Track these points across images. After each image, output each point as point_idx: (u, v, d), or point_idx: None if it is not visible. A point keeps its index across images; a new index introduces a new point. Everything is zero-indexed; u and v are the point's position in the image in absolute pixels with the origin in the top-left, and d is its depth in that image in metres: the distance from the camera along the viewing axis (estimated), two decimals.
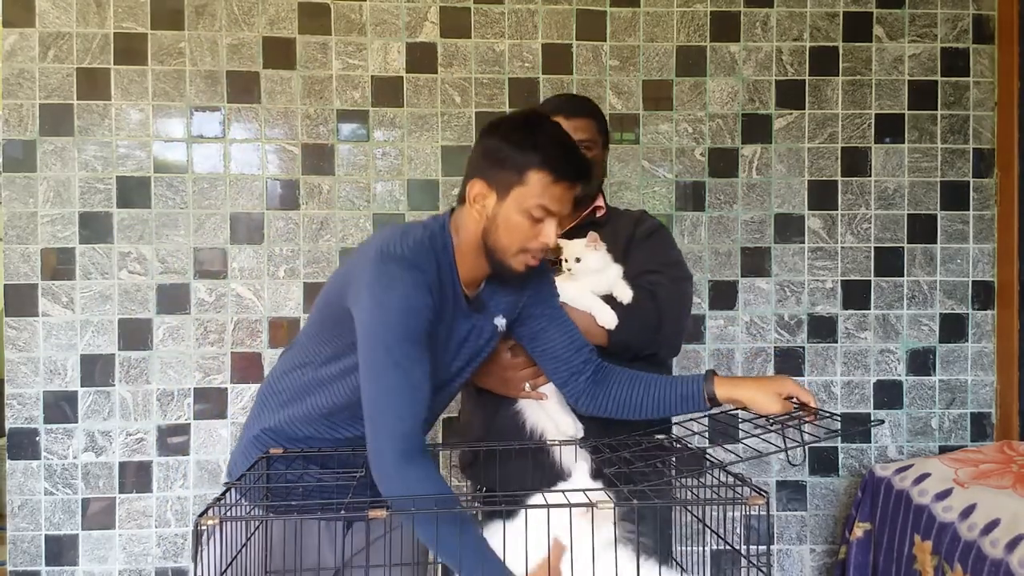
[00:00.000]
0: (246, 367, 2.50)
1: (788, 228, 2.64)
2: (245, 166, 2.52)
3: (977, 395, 2.68)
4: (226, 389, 2.51)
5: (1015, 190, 2.61)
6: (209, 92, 2.51)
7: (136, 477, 2.48)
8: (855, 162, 2.65)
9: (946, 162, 2.67)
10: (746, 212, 2.64)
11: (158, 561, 2.48)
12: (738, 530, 2.56)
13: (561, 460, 1.57)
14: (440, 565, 1.36)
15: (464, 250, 1.46)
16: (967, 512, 2.07)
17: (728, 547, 1.28)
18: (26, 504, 2.45)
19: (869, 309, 2.66)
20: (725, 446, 1.68)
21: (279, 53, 2.52)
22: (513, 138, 1.41)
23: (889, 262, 2.66)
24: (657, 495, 1.21)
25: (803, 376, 2.64)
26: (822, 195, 2.65)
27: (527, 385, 1.66)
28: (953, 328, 2.68)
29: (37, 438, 2.45)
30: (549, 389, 1.65)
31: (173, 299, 2.49)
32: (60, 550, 2.45)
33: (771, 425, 1.45)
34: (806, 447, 1.42)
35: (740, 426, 1.50)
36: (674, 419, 1.74)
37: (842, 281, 2.65)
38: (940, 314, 2.67)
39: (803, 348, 2.65)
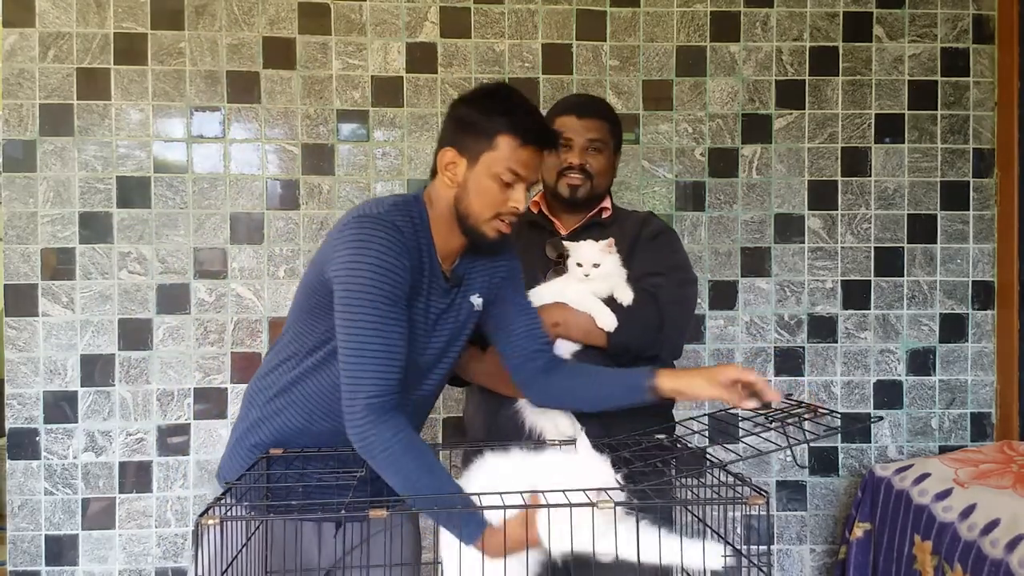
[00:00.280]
0: (246, 367, 2.50)
1: (788, 228, 2.64)
2: (245, 166, 2.52)
3: (977, 395, 2.68)
4: (226, 389, 2.51)
5: (1015, 190, 2.61)
6: (209, 92, 2.51)
7: (136, 477, 2.48)
8: (855, 162, 2.65)
9: (946, 162, 2.67)
10: (746, 212, 2.64)
11: (158, 561, 2.48)
12: (738, 530, 2.56)
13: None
14: (439, 565, 1.36)
15: (438, 221, 1.48)
16: (967, 512, 2.07)
17: (728, 547, 1.28)
18: (26, 504, 2.45)
19: (869, 309, 2.66)
20: (725, 446, 1.68)
21: (279, 53, 2.52)
22: (481, 105, 1.44)
23: (889, 262, 2.66)
24: (657, 495, 1.21)
25: (803, 376, 2.64)
26: (822, 195, 2.65)
27: None
28: (953, 328, 2.68)
29: (37, 438, 2.45)
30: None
31: (173, 299, 2.50)
32: (60, 550, 2.45)
33: (771, 423, 1.45)
34: (807, 445, 1.42)
35: (740, 425, 1.50)
36: (674, 419, 1.74)
37: (842, 281, 2.65)
38: (940, 314, 2.67)
39: (803, 348, 2.65)
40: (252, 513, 1.36)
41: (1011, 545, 1.89)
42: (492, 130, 1.42)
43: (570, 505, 1.14)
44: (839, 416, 1.49)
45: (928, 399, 2.67)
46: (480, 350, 1.72)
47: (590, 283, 1.68)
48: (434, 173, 1.51)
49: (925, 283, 2.67)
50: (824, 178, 2.65)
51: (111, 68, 2.48)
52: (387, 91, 2.55)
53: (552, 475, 1.23)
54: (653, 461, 1.34)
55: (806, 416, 1.46)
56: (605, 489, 1.15)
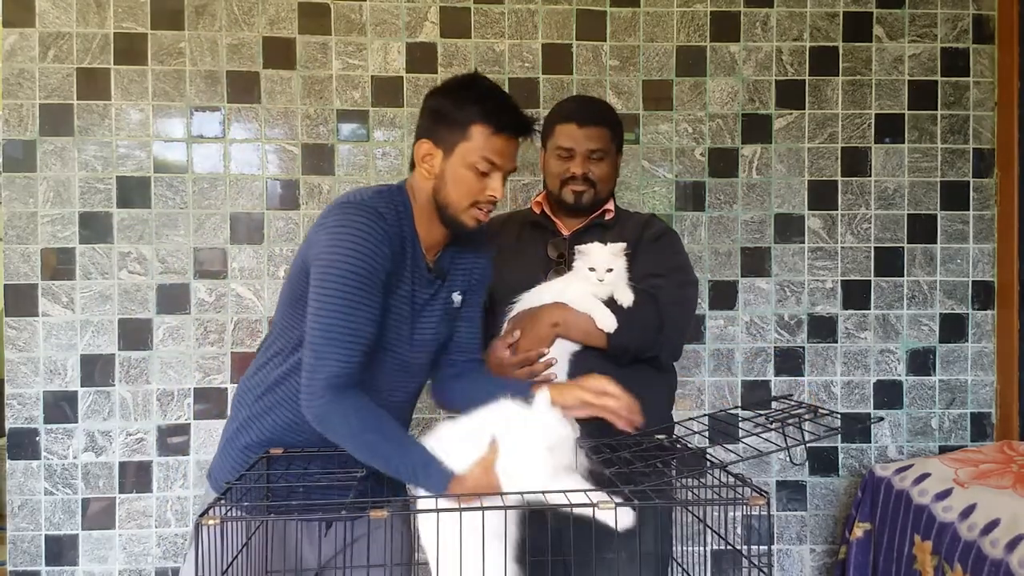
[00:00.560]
0: (246, 367, 2.49)
1: (788, 228, 2.64)
2: (245, 166, 2.52)
3: (977, 395, 2.68)
4: (226, 389, 2.51)
5: (1015, 190, 2.61)
6: (209, 92, 2.51)
7: (136, 477, 2.48)
8: (855, 162, 2.65)
9: (946, 162, 2.67)
10: (746, 212, 2.64)
11: (158, 561, 2.48)
12: (738, 530, 2.56)
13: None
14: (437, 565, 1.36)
15: (420, 212, 1.50)
16: (967, 512, 2.07)
17: (728, 547, 1.28)
18: (26, 504, 2.45)
19: (869, 309, 2.66)
20: (725, 446, 1.68)
21: (279, 53, 2.52)
22: (454, 96, 1.47)
23: (889, 262, 2.66)
24: (657, 495, 1.21)
25: (803, 376, 2.64)
26: (822, 195, 2.65)
27: None
28: (953, 328, 2.68)
29: (37, 438, 2.45)
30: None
31: (173, 299, 2.49)
32: (60, 550, 2.45)
33: (771, 424, 1.45)
34: (806, 446, 1.41)
35: (740, 425, 1.50)
36: (674, 419, 1.74)
37: (842, 281, 2.65)
38: (940, 314, 2.67)
39: (803, 348, 2.65)
40: (251, 513, 1.35)
41: (1011, 545, 1.89)
42: (465, 120, 1.44)
43: (571, 505, 1.14)
44: (839, 416, 1.49)
45: (928, 399, 2.67)
46: None
47: (591, 284, 1.68)
48: (413, 166, 1.53)
49: (925, 283, 2.67)
50: (824, 178, 2.65)
51: (111, 68, 2.48)
52: (387, 91, 2.55)
53: (510, 427, 1.27)
54: (653, 461, 1.34)
55: (806, 417, 1.46)
56: (596, 504, 1.15)
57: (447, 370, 1.64)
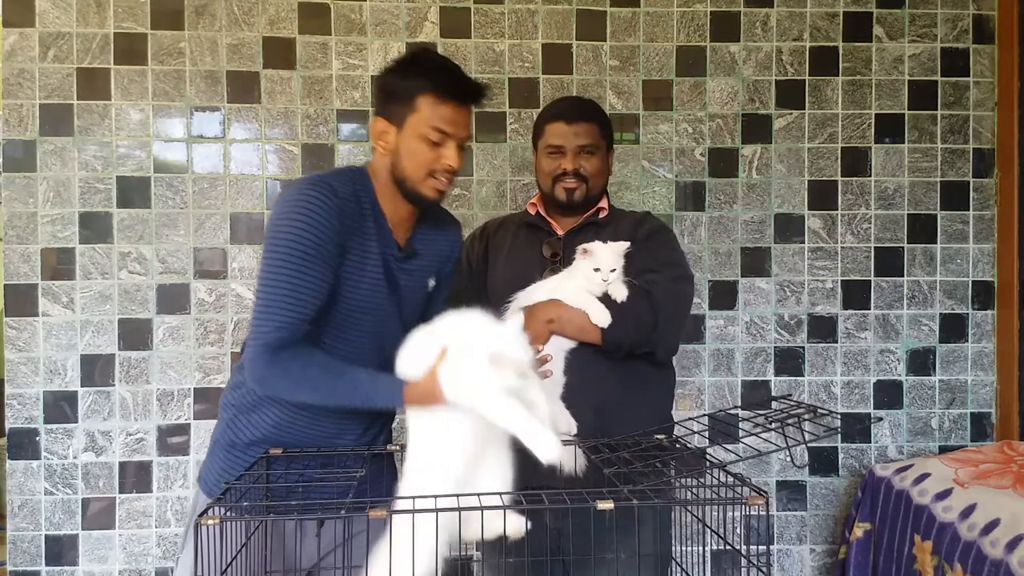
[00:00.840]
0: None
1: (788, 228, 2.64)
2: (245, 166, 2.52)
3: (977, 395, 2.68)
4: None
5: (1015, 190, 2.61)
6: (209, 92, 2.51)
7: (136, 477, 2.48)
8: (855, 162, 2.65)
9: (946, 162, 2.67)
10: (746, 212, 2.64)
11: (158, 561, 2.48)
12: (738, 530, 2.56)
13: None
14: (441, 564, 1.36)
15: (383, 191, 1.53)
16: (967, 512, 2.07)
17: (728, 547, 1.28)
18: (26, 504, 2.45)
19: (869, 309, 2.66)
20: (725, 446, 1.68)
21: (279, 53, 2.52)
22: (399, 71, 1.51)
23: (889, 262, 2.66)
24: (657, 495, 1.21)
25: (803, 376, 2.64)
26: (822, 195, 2.65)
27: None
28: (953, 328, 2.68)
29: (37, 438, 2.45)
30: (541, 384, 1.65)
31: (173, 299, 2.50)
32: (60, 550, 2.45)
33: (771, 424, 1.45)
34: (806, 446, 1.42)
35: (740, 426, 1.50)
36: (674, 419, 1.74)
37: (842, 281, 2.65)
38: (940, 314, 2.67)
39: (803, 348, 2.65)
40: (251, 513, 1.35)
41: (1011, 545, 1.89)
42: (411, 93, 1.47)
43: (569, 506, 1.14)
44: (839, 417, 1.49)
45: (928, 399, 2.67)
46: None
47: (588, 281, 1.68)
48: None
49: (925, 283, 2.67)
50: (824, 178, 2.65)
51: (111, 68, 2.48)
52: None
53: (462, 334, 1.28)
54: (652, 461, 1.34)
55: (806, 417, 1.46)
56: (595, 504, 1.15)
57: None
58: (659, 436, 1.52)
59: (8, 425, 2.45)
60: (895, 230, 2.66)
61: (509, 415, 1.21)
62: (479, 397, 1.23)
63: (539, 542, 1.74)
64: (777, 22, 2.63)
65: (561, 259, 1.80)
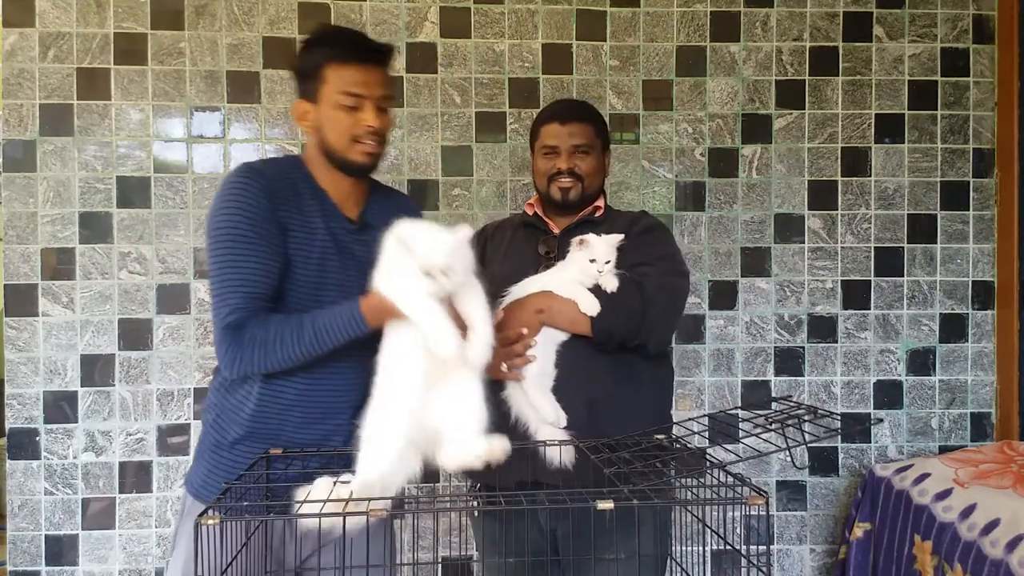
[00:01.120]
0: None
1: (788, 228, 2.64)
2: None
3: (977, 395, 2.68)
4: None
5: (1015, 190, 2.61)
6: (209, 92, 2.51)
7: (136, 477, 2.48)
8: (855, 162, 2.65)
9: (946, 162, 2.67)
10: (746, 212, 2.64)
11: (158, 561, 2.48)
12: (738, 530, 2.56)
13: (545, 450, 1.57)
14: (440, 566, 1.36)
15: (319, 170, 1.57)
16: (967, 512, 2.07)
17: (728, 547, 1.28)
18: (26, 504, 2.45)
19: (869, 309, 2.66)
20: (725, 446, 1.68)
21: (279, 53, 2.52)
22: (304, 50, 1.55)
23: (889, 262, 2.66)
24: (657, 495, 1.21)
25: (803, 376, 2.64)
26: (822, 195, 2.65)
27: (504, 366, 1.65)
28: (953, 328, 2.68)
29: (37, 438, 2.45)
30: (530, 374, 1.65)
31: (173, 299, 2.50)
32: (60, 550, 2.45)
33: (771, 424, 1.45)
34: (806, 447, 1.41)
35: (740, 426, 1.50)
36: (674, 419, 1.74)
37: (842, 281, 2.65)
38: (940, 314, 2.67)
39: (803, 348, 2.65)
40: (251, 513, 1.35)
41: (1011, 545, 1.89)
42: (317, 66, 1.51)
43: (569, 507, 1.14)
44: (838, 417, 1.49)
45: (928, 399, 2.67)
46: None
47: (582, 274, 1.69)
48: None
49: (925, 283, 2.67)
50: (824, 178, 2.65)
51: (111, 68, 2.48)
52: None
53: (398, 240, 1.31)
54: (652, 461, 1.34)
55: (806, 417, 1.46)
56: (595, 504, 1.15)
57: None
58: (659, 436, 1.53)
59: (8, 425, 2.45)
60: (895, 230, 2.66)
61: (417, 310, 1.27)
62: (398, 296, 1.30)
63: (536, 543, 1.74)
64: (777, 22, 2.63)
65: (556, 256, 1.82)
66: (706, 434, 1.58)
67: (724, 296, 2.63)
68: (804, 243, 2.64)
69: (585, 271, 1.68)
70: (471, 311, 1.36)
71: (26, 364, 2.46)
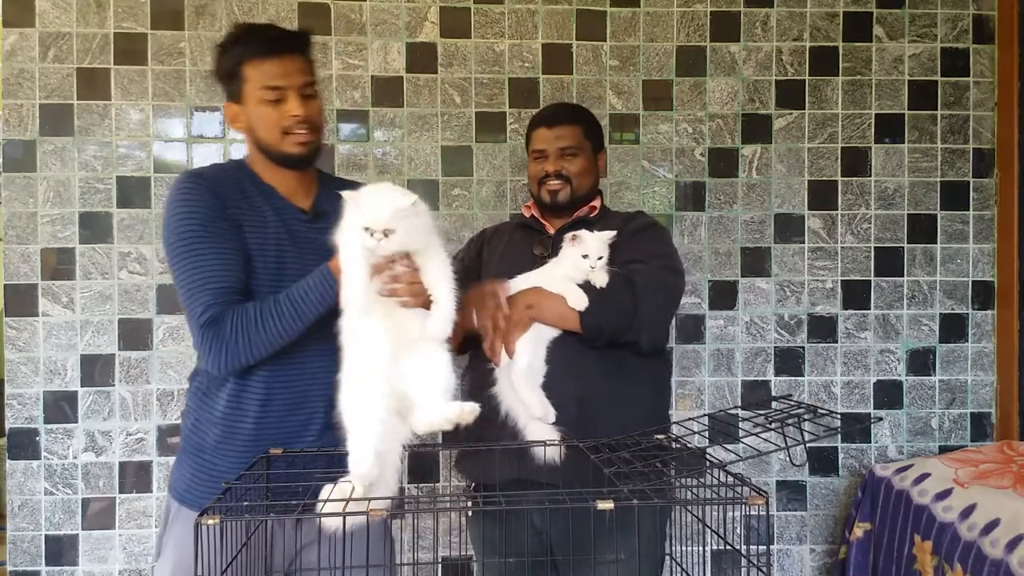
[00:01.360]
0: None
1: (788, 228, 2.64)
2: None
3: (977, 395, 2.68)
4: None
5: (1015, 190, 2.61)
6: (209, 92, 2.51)
7: (136, 477, 2.48)
8: (855, 162, 2.65)
9: (946, 162, 2.67)
10: (746, 212, 2.64)
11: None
12: (738, 530, 2.56)
13: (543, 449, 1.57)
14: (440, 566, 1.36)
15: (261, 167, 1.60)
16: (967, 512, 2.07)
17: (728, 547, 1.28)
18: (26, 504, 2.45)
19: (869, 309, 2.66)
20: (725, 446, 1.68)
21: None
22: (221, 52, 1.59)
23: (889, 262, 2.66)
24: (657, 495, 1.21)
25: (803, 376, 2.64)
26: (822, 195, 2.65)
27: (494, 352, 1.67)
28: (953, 328, 2.68)
29: (37, 438, 2.45)
30: (518, 370, 1.65)
31: (173, 299, 2.49)
32: (60, 550, 2.45)
33: (771, 424, 1.45)
34: (806, 446, 1.41)
35: (740, 426, 1.50)
36: (674, 419, 1.74)
37: (842, 281, 2.65)
38: (940, 314, 2.67)
39: (803, 348, 2.65)
40: (251, 513, 1.35)
41: (1011, 545, 1.89)
42: (235, 67, 1.54)
43: (569, 506, 1.14)
44: (838, 417, 1.49)
45: (928, 399, 2.67)
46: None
47: (575, 270, 1.69)
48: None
49: (925, 283, 2.67)
50: (824, 178, 2.65)
51: (111, 68, 2.48)
52: (387, 91, 2.55)
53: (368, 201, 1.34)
54: (652, 461, 1.34)
55: (806, 417, 1.46)
56: (595, 504, 1.15)
57: None
58: (659, 436, 1.53)
59: (8, 425, 2.45)
60: (895, 230, 2.66)
61: (346, 267, 1.33)
62: (340, 252, 1.36)
63: (531, 543, 1.74)
64: (777, 22, 2.63)
65: (551, 257, 1.83)
66: (706, 434, 1.58)
67: (724, 296, 2.63)
68: (804, 243, 2.64)
69: (577, 267, 1.68)
70: (435, 283, 1.38)
71: (26, 364, 2.46)
